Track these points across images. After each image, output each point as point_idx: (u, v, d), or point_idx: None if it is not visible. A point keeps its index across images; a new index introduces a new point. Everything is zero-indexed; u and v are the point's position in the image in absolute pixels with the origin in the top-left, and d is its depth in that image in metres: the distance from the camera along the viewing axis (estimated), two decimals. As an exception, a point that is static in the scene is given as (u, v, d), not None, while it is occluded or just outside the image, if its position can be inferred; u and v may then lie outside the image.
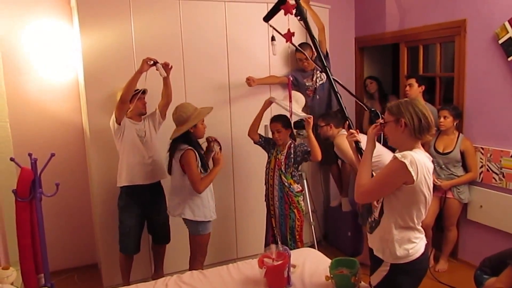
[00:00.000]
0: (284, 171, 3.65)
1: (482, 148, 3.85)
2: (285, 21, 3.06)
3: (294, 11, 2.88)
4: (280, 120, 3.65)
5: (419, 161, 2.13)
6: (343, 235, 4.54)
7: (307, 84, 4.33)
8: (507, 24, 3.52)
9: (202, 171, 3.34)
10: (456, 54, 4.05)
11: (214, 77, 4.04)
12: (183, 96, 3.91)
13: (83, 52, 3.56)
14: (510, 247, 3.16)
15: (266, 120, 4.22)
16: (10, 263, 3.04)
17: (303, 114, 3.64)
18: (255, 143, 3.83)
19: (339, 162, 4.55)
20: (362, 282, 2.68)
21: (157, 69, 3.56)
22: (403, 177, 2.11)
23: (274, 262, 2.69)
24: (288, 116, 3.68)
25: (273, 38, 3.06)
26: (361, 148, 2.54)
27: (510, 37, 3.52)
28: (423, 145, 2.28)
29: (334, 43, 4.91)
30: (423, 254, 2.28)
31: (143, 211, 3.61)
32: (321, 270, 2.87)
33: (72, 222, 4.23)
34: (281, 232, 3.73)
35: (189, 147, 3.29)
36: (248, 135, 3.82)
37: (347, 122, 2.61)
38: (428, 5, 4.27)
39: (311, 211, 4.26)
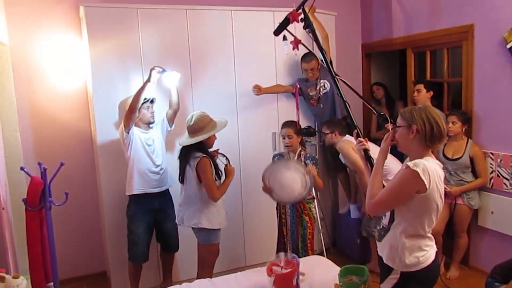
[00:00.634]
0: None
1: (492, 154, 3.81)
2: (291, 29, 3.06)
3: (302, 23, 2.88)
4: (292, 126, 3.65)
5: (431, 169, 2.11)
6: (352, 242, 4.51)
7: (311, 93, 4.33)
8: (515, 29, 3.51)
9: (216, 178, 3.37)
10: (464, 59, 4.03)
11: (221, 86, 4.05)
12: (190, 105, 3.94)
13: (92, 62, 3.60)
14: (522, 253, 3.13)
15: (273, 127, 4.24)
16: (20, 272, 3.06)
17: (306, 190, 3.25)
18: None
19: (347, 169, 4.54)
20: (372, 290, 2.65)
21: (165, 78, 3.61)
22: (416, 186, 2.09)
23: (283, 270, 2.68)
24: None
25: (284, 38, 3.05)
26: (370, 157, 2.53)
27: (518, 42, 3.51)
28: (432, 152, 2.27)
29: (341, 50, 4.92)
30: (433, 261, 2.25)
31: (151, 219, 3.62)
32: (330, 278, 2.85)
33: (81, 230, 4.24)
34: (292, 240, 3.70)
35: (204, 155, 3.31)
36: None
37: (356, 130, 2.60)
38: (435, 10, 4.26)
39: (320, 218, 4.23)
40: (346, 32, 5.18)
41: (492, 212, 3.86)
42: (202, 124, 3.33)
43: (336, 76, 2.80)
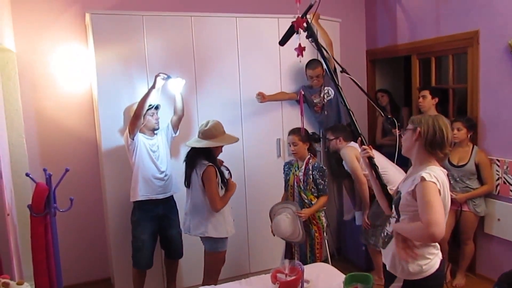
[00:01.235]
0: (303, 188, 3.61)
1: (498, 160, 3.79)
2: (295, 36, 3.07)
3: (306, 32, 2.89)
4: (297, 133, 3.63)
5: (440, 177, 2.13)
6: (357, 249, 4.48)
7: (315, 100, 4.33)
8: (520, 35, 3.50)
9: (222, 187, 3.37)
10: (469, 66, 4.02)
11: (226, 92, 4.06)
12: (195, 111, 3.95)
13: (97, 68, 3.62)
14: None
15: (277, 134, 4.23)
16: (24, 278, 3.06)
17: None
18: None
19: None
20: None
21: (169, 85, 3.62)
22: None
23: (287, 277, 2.67)
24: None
25: (297, 32, 3.04)
26: (375, 164, 2.53)
27: (523, 48, 3.50)
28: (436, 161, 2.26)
29: (345, 57, 4.91)
30: (438, 269, 2.23)
31: (156, 225, 3.62)
32: (335, 285, 2.84)
33: (85, 236, 4.25)
34: (301, 250, 3.68)
35: (211, 164, 3.31)
36: None
37: (360, 138, 2.60)
38: (439, 16, 4.26)
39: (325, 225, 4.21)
40: (351, 38, 5.19)
41: (498, 219, 3.83)
42: (215, 132, 3.34)
43: (348, 75, 2.80)
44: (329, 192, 4.68)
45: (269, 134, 4.26)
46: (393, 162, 3.70)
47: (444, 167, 2.25)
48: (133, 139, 3.46)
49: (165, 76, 3.53)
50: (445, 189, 2.14)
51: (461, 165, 3.82)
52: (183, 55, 3.88)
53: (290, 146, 3.68)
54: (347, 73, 2.96)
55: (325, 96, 4.30)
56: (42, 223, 2.82)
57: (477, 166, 3.81)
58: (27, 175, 2.86)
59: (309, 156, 3.64)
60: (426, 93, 4.15)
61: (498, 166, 3.79)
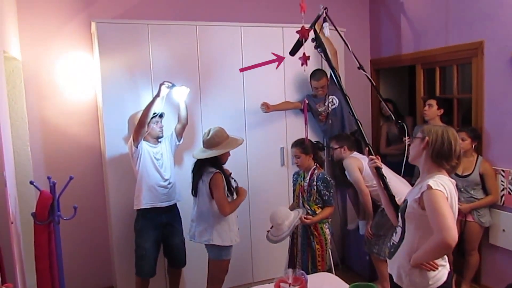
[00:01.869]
0: (306, 198, 3.60)
1: (503, 171, 3.77)
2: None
3: (314, 43, 2.91)
4: (299, 146, 3.63)
5: (448, 185, 2.13)
6: (361, 259, 4.46)
7: (319, 109, 4.33)
8: (525, 45, 3.50)
9: (228, 194, 3.38)
10: (473, 76, 4.02)
11: (230, 101, 4.08)
12: (199, 120, 3.95)
13: (102, 77, 3.64)
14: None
15: (281, 142, 4.23)
16: (27, 287, 3.06)
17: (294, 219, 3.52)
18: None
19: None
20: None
21: (174, 93, 3.63)
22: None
23: (291, 286, 2.65)
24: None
25: (325, 20, 3.05)
26: (383, 174, 2.52)
27: (528, 58, 3.50)
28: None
29: (350, 66, 4.91)
30: (445, 282, 2.21)
31: (159, 234, 3.62)
32: (338, 295, 2.82)
33: (89, 245, 4.24)
34: (302, 261, 3.67)
35: (217, 171, 3.33)
36: None
37: (368, 148, 2.60)
38: (444, 27, 4.27)
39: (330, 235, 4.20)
40: (355, 48, 5.12)
41: (503, 230, 3.80)
42: (218, 140, 3.36)
43: (364, 72, 2.82)
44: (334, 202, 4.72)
45: (273, 142, 4.27)
46: (400, 170, 3.70)
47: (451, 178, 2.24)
48: (137, 147, 3.46)
49: (170, 84, 3.54)
50: (452, 198, 2.13)
51: (465, 175, 3.81)
52: (188, 63, 3.89)
53: (294, 158, 3.69)
54: (364, 70, 2.99)
55: (330, 105, 4.30)
56: (46, 231, 2.82)
57: (481, 176, 3.80)
58: (31, 183, 2.86)
59: (314, 166, 3.63)
60: (433, 102, 4.14)
61: (503, 176, 3.77)
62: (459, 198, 3.74)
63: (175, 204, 3.71)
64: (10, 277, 2.56)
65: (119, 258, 3.80)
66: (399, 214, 2.33)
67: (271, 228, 3.56)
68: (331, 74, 4.35)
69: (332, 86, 4.34)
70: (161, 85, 3.49)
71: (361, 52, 5.32)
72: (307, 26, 2.97)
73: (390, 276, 2.39)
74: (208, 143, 3.37)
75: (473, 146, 3.82)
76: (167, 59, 3.82)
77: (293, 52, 3.07)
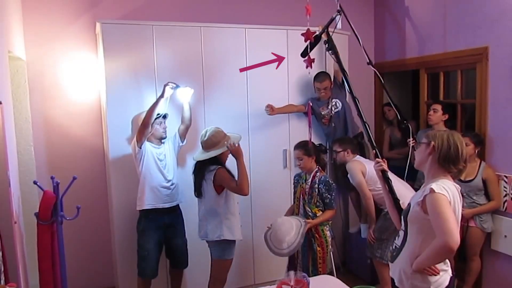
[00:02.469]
0: (307, 201, 3.61)
1: (506, 177, 3.77)
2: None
3: (325, 46, 2.93)
4: (301, 148, 3.63)
5: (451, 190, 2.13)
6: (362, 262, 4.46)
7: (323, 112, 4.33)
8: (529, 52, 3.50)
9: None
10: (478, 81, 4.01)
11: (234, 102, 4.08)
12: (202, 121, 3.96)
13: (107, 77, 3.64)
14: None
15: (284, 145, 4.23)
16: (30, 287, 3.06)
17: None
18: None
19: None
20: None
21: (178, 94, 3.64)
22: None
23: (293, 289, 2.65)
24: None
25: (339, 12, 3.05)
26: (389, 178, 2.52)
27: (533, 65, 3.49)
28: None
29: (353, 70, 4.92)
30: (447, 287, 2.22)
31: (161, 235, 3.62)
32: (340, 299, 2.82)
33: (91, 245, 4.25)
34: (303, 263, 3.67)
35: (219, 166, 3.36)
36: None
37: (374, 151, 2.60)
38: (449, 32, 4.27)
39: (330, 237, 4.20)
40: (359, 52, 5.17)
41: (505, 236, 3.80)
42: (216, 140, 3.37)
43: (373, 68, 2.82)
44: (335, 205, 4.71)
45: (276, 145, 4.27)
46: (402, 174, 3.70)
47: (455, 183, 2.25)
48: (140, 148, 3.47)
49: (174, 85, 3.55)
50: (455, 202, 2.13)
51: (468, 181, 3.80)
52: (192, 65, 3.90)
53: (296, 160, 3.70)
54: (373, 66, 3.00)
55: (333, 108, 4.30)
56: (49, 231, 2.83)
57: (484, 181, 3.79)
58: (35, 183, 2.87)
59: (317, 169, 3.64)
60: (438, 107, 4.13)
61: (506, 182, 3.77)
62: (461, 203, 3.78)
63: (178, 205, 3.71)
64: (13, 277, 2.56)
65: (121, 258, 3.80)
66: (402, 218, 2.33)
67: (270, 227, 3.54)
68: (335, 78, 4.37)
69: (335, 89, 4.34)
70: (165, 86, 3.49)
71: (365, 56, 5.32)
72: (312, 29, 2.98)
73: (392, 280, 2.39)
74: (206, 144, 3.38)
75: (476, 151, 3.82)
76: (171, 60, 3.83)
77: (304, 54, 3.08)
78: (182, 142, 3.77)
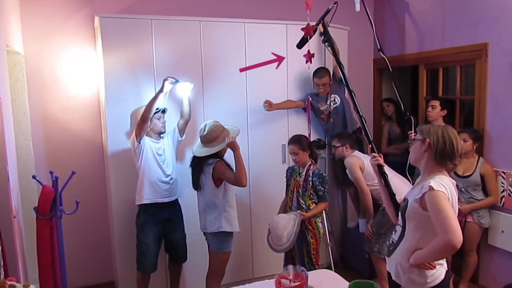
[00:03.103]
0: (301, 194, 3.64)
1: (504, 172, 3.78)
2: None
3: (322, 38, 2.91)
4: (297, 143, 3.65)
5: (449, 186, 2.14)
6: (360, 256, 4.48)
7: (321, 108, 4.33)
8: (529, 48, 3.50)
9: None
10: (477, 78, 4.02)
11: (233, 97, 4.08)
12: (201, 115, 3.96)
13: (105, 72, 3.63)
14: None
15: (283, 140, 4.23)
16: (29, 281, 3.06)
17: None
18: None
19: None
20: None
21: (177, 88, 3.63)
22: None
23: (291, 283, 2.66)
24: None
25: (336, 3, 3.03)
26: (385, 173, 2.53)
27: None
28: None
29: (353, 65, 4.93)
30: (443, 281, 2.24)
31: (160, 229, 3.63)
32: (338, 293, 2.84)
33: (90, 239, 4.26)
34: (299, 255, 3.71)
35: (217, 159, 3.38)
36: None
37: (371, 145, 2.61)
38: (448, 28, 4.26)
39: (328, 232, 4.22)
40: (359, 47, 5.19)
41: (502, 231, 3.83)
42: (215, 134, 3.37)
43: (383, 55, 2.82)
44: (333, 199, 4.73)
45: (275, 140, 4.27)
46: (401, 169, 3.72)
47: (451, 177, 2.26)
48: (139, 142, 3.47)
49: (173, 80, 3.54)
50: (453, 198, 2.15)
51: (466, 176, 3.82)
52: (191, 59, 3.89)
53: (291, 155, 3.71)
54: (383, 53, 2.99)
55: (332, 104, 4.30)
56: (48, 226, 2.83)
57: (482, 177, 3.81)
58: (33, 177, 2.86)
59: (310, 162, 3.67)
60: (436, 103, 4.15)
61: (504, 178, 3.79)
62: (459, 198, 3.80)
63: (177, 199, 3.72)
64: (12, 271, 2.57)
65: (120, 253, 3.81)
66: (400, 214, 2.35)
67: (269, 232, 3.61)
68: (333, 73, 4.36)
69: (334, 85, 4.34)
70: (164, 80, 3.48)
71: (365, 51, 5.33)
72: (312, 23, 2.97)
73: (389, 274, 2.40)
74: (206, 139, 3.38)
75: (475, 147, 3.83)
76: (170, 54, 3.81)
77: (300, 45, 3.07)
78: (181, 136, 3.77)
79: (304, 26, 2.97)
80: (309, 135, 3.91)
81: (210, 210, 3.43)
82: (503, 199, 3.81)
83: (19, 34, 3.73)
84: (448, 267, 2.32)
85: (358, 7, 3.06)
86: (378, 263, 3.97)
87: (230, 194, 3.49)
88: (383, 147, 5.17)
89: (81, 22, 4.05)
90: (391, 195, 2.53)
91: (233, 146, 3.40)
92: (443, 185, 2.11)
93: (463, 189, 3.84)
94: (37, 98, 3.94)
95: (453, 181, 2.23)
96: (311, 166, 3.65)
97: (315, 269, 3.62)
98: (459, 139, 2.22)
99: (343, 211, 4.87)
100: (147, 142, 3.53)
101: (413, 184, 3.70)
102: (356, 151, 4.05)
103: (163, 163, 3.60)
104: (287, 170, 3.89)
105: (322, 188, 3.61)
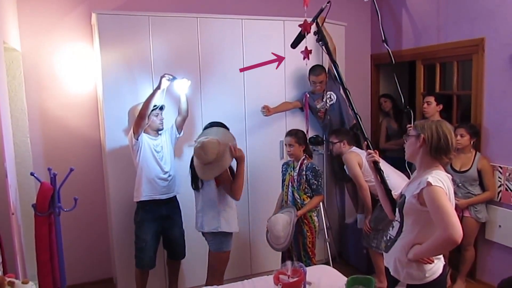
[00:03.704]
0: (296, 188, 3.67)
1: (501, 167, 3.80)
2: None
3: (316, 36, 2.91)
4: (294, 136, 3.68)
5: (445, 181, 2.15)
6: (359, 252, 4.49)
7: (318, 106, 4.34)
8: (525, 43, 3.51)
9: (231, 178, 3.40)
10: (473, 73, 4.03)
11: (230, 92, 4.08)
12: (199, 112, 3.95)
13: (103, 69, 3.62)
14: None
15: (280, 135, 4.24)
16: (28, 277, 3.07)
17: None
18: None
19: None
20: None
21: (175, 85, 3.63)
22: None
23: (290, 279, 2.67)
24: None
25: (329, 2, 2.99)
26: (381, 169, 2.54)
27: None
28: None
29: (350, 61, 4.93)
30: (441, 275, 2.25)
31: (159, 226, 3.63)
32: (336, 288, 2.85)
33: (88, 236, 4.26)
34: (296, 250, 3.74)
35: None
36: None
37: (366, 142, 2.61)
38: (445, 23, 4.27)
39: (326, 228, 4.23)
40: (356, 43, 5.20)
41: (499, 226, 3.84)
42: (212, 158, 3.19)
43: (387, 46, 2.82)
44: (331, 195, 4.74)
45: (273, 136, 4.28)
46: (399, 165, 3.72)
47: (447, 172, 2.27)
48: (137, 139, 3.47)
49: (171, 77, 3.54)
50: (450, 193, 2.16)
51: (463, 171, 3.83)
52: (189, 56, 3.89)
53: (286, 146, 3.74)
54: (387, 44, 3.01)
55: (328, 101, 4.31)
56: (46, 223, 2.84)
57: (479, 172, 3.82)
58: (32, 174, 2.87)
59: (304, 156, 3.70)
60: (431, 99, 4.16)
61: (501, 173, 3.80)
62: (456, 193, 3.82)
63: (175, 196, 3.73)
64: (11, 268, 2.57)
65: (119, 250, 3.81)
66: (397, 209, 2.35)
67: (267, 230, 3.64)
68: (329, 70, 4.37)
69: (330, 82, 4.34)
70: (162, 77, 3.48)
71: (362, 47, 5.33)
72: (309, 20, 2.98)
73: (387, 269, 2.41)
74: (209, 160, 3.21)
75: (472, 142, 3.84)
76: (168, 51, 3.81)
77: (294, 45, 3.07)
78: (179, 133, 3.77)
79: (302, 23, 2.98)
80: (307, 131, 3.92)
81: (208, 209, 3.41)
82: (500, 194, 3.82)
83: (16, 31, 3.72)
84: (445, 261, 2.34)
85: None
86: (376, 258, 3.98)
87: None
88: (381, 143, 5.18)
89: (78, 18, 4.04)
90: (387, 191, 2.54)
91: (240, 158, 3.31)
92: (441, 180, 2.12)
93: (460, 184, 3.85)
94: (34, 95, 3.94)
95: (449, 175, 2.24)
96: (305, 161, 3.69)
97: (312, 262, 3.66)
98: (453, 133, 2.23)
99: (341, 207, 4.88)
100: (145, 139, 3.53)
101: (410, 179, 3.73)
102: (354, 147, 4.06)
103: (161, 160, 3.60)
104: (282, 165, 3.92)
105: (315, 182, 3.64)
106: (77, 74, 4.08)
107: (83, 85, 4.12)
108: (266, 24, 4.15)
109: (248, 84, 4.11)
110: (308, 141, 3.90)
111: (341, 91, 4.34)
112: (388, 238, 2.41)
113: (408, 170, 3.81)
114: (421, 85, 4.75)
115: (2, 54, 2.98)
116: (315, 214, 3.75)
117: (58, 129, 4.06)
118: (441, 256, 2.28)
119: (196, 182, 3.43)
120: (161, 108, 3.62)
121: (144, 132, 3.52)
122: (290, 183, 3.72)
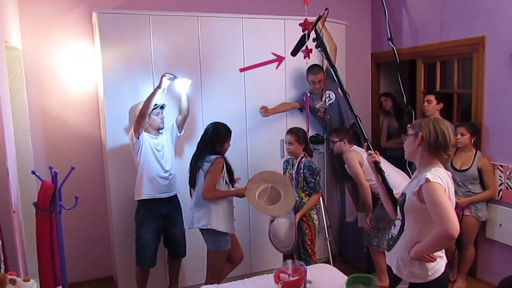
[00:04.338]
0: (294, 186, 3.68)
1: (501, 166, 3.80)
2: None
3: (315, 42, 2.93)
4: (294, 134, 3.69)
5: (445, 177, 2.15)
6: (359, 251, 4.49)
7: (317, 105, 4.34)
8: (526, 41, 3.51)
9: (227, 181, 3.41)
10: (474, 71, 4.02)
11: (231, 93, 4.08)
12: (200, 111, 3.96)
13: (103, 67, 3.63)
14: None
15: (281, 134, 4.24)
16: (29, 275, 3.07)
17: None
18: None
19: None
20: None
21: (176, 84, 3.64)
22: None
23: (290, 277, 2.68)
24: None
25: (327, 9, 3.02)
26: (381, 169, 2.55)
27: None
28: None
29: (350, 59, 4.93)
30: (443, 273, 2.25)
31: (159, 224, 3.64)
32: (337, 286, 2.85)
33: (89, 235, 4.26)
34: (296, 248, 3.73)
35: (218, 156, 3.36)
36: None
37: (366, 143, 2.62)
38: (445, 21, 4.27)
39: (327, 226, 4.24)
40: (356, 41, 5.20)
41: (500, 225, 3.84)
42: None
43: (392, 45, 2.81)
44: (331, 194, 4.74)
45: (273, 135, 4.28)
46: (400, 164, 3.73)
47: (447, 170, 2.27)
48: (138, 138, 3.48)
49: (171, 76, 3.54)
50: (449, 190, 2.16)
51: (463, 170, 3.83)
52: (189, 54, 3.89)
53: (286, 144, 3.76)
54: (392, 43, 2.99)
55: (327, 100, 4.31)
56: (48, 221, 2.84)
57: (479, 171, 3.82)
58: (33, 172, 2.87)
59: (303, 155, 3.71)
60: (432, 98, 4.17)
61: (501, 171, 3.80)
62: (456, 192, 3.82)
63: (176, 195, 3.73)
64: (12, 266, 2.58)
65: (119, 248, 3.82)
66: (398, 208, 2.36)
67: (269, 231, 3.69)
68: (327, 70, 4.37)
69: (328, 81, 4.34)
70: (162, 76, 3.49)
71: (362, 45, 5.33)
72: (310, 19, 2.98)
73: (389, 268, 2.42)
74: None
75: (472, 141, 3.84)
76: (168, 50, 3.81)
77: (294, 53, 3.09)
78: (180, 132, 3.78)
79: (302, 22, 2.98)
80: (308, 130, 3.92)
81: (199, 205, 3.41)
82: (500, 192, 3.83)
83: (17, 30, 3.73)
84: (447, 259, 2.34)
85: None
86: (377, 257, 3.98)
87: None
88: (383, 142, 5.19)
89: (79, 17, 4.04)
90: (389, 190, 2.54)
91: (240, 192, 3.45)
92: (439, 177, 2.12)
93: (460, 183, 3.85)
94: (35, 94, 3.94)
95: (449, 173, 2.25)
96: (303, 159, 3.70)
97: (312, 260, 3.68)
98: (450, 130, 2.23)
99: (342, 205, 4.88)
100: (146, 138, 3.54)
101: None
102: (355, 146, 4.06)
103: (161, 158, 3.60)
104: (283, 163, 3.95)
105: (312, 180, 3.64)
106: (78, 72, 4.09)
107: (84, 84, 4.12)
108: (267, 22, 4.15)
109: (248, 82, 4.12)
110: (308, 140, 3.90)
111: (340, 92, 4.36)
112: (390, 236, 2.42)
113: (409, 170, 3.83)
114: (421, 84, 4.75)
115: (3, 53, 2.99)
116: (314, 212, 3.76)
117: (59, 128, 4.07)
118: (443, 255, 2.29)
119: (192, 178, 3.45)
120: (162, 107, 3.62)
121: (144, 131, 3.53)
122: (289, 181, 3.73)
